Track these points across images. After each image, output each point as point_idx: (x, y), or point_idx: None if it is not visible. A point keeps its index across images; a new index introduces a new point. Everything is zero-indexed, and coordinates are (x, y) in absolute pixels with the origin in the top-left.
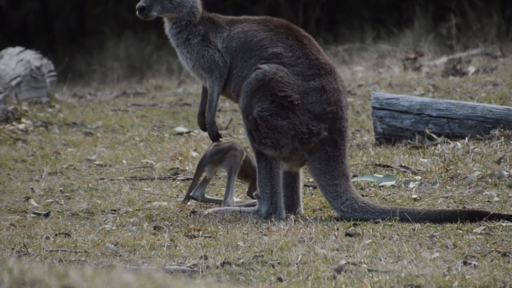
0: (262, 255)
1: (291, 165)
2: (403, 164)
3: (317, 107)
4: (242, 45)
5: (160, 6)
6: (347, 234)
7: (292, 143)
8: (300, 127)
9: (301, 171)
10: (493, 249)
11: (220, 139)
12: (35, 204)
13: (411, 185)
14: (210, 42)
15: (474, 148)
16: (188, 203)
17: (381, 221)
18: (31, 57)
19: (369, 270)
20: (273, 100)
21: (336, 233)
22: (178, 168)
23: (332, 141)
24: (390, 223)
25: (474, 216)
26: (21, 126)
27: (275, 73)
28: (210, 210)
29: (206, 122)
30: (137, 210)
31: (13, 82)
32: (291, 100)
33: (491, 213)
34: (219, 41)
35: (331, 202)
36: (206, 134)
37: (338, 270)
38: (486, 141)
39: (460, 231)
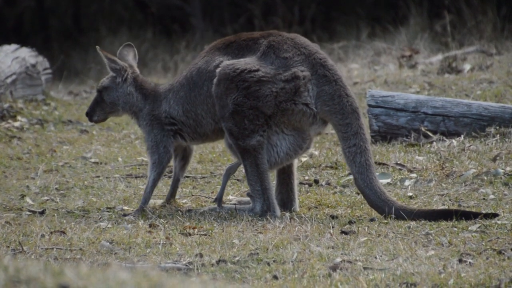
0: (258, 253)
1: (310, 129)
2: (398, 162)
3: (277, 62)
4: (188, 86)
5: (99, 110)
6: (343, 232)
7: (278, 107)
8: (275, 85)
9: (296, 168)
10: (488, 247)
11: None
12: (31, 202)
13: (407, 182)
14: (155, 118)
15: (470, 145)
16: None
17: (376, 219)
18: (27, 55)
19: (364, 268)
20: (236, 85)
21: (331, 231)
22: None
23: (322, 77)
24: (385, 221)
25: (462, 216)
26: (17, 124)
27: (219, 64)
28: (205, 208)
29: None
30: (132, 208)
31: (8, 80)
32: (249, 70)
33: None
34: (166, 105)
35: (340, 141)
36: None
37: (334, 268)
38: (482, 139)
39: (456, 229)
